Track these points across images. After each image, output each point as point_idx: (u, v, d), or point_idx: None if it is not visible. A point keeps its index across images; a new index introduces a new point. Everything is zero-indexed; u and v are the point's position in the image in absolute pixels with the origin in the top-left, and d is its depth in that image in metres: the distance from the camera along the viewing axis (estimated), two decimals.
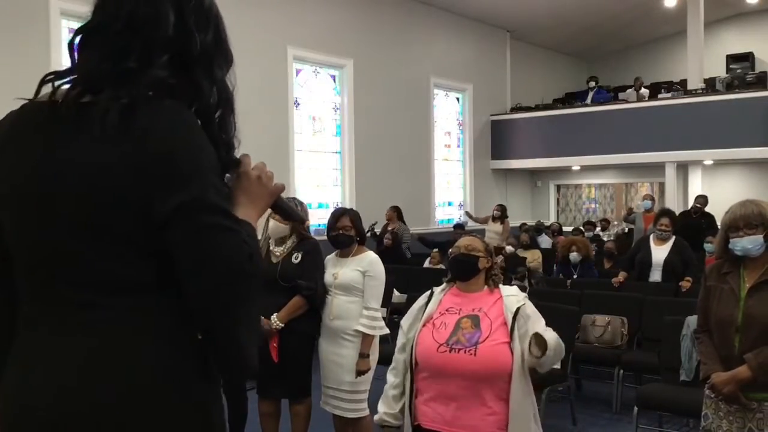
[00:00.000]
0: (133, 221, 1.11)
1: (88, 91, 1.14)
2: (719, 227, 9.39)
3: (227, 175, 1.27)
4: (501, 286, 2.64)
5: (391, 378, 2.66)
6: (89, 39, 1.18)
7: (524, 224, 11.59)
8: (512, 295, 2.55)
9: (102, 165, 1.09)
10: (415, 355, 2.52)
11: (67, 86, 1.16)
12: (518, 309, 2.48)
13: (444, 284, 2.71)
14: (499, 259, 8.48)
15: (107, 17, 1.17)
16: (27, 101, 1.20)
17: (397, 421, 2.62)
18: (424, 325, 2.56)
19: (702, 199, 9.77)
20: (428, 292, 2.71)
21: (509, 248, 8.84)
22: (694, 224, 8.92)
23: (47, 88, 1.17)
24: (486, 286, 2.63)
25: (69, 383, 1.10)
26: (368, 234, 5.50)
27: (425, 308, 2.63)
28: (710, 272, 2.91)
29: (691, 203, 10.25)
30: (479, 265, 2.61)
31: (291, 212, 1.48)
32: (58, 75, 1.17)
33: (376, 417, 2.69)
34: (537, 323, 2.49)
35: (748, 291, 2.71)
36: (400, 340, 2.65)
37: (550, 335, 2.40)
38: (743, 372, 2.63)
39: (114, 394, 1.10)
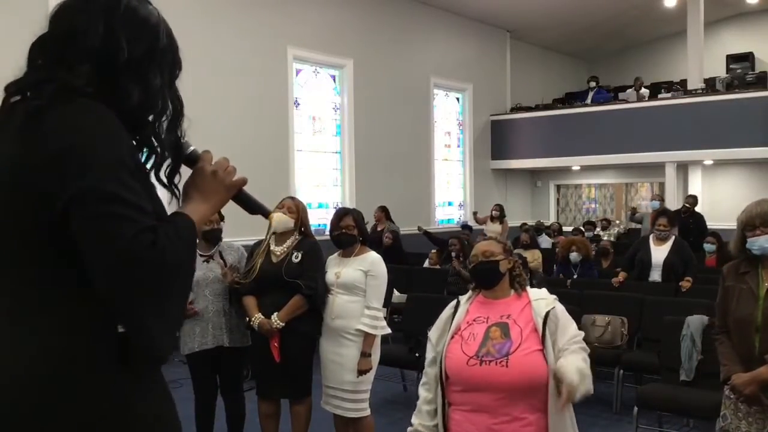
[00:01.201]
0: (41, 215, 1.15)
1: (22, 99, 1.24)
2: (707, 227, 9.38)
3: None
4: (528, 289, 2.51)
5: (424, 393, 2.52)
6: (33, 52, 1.28)
7: (525, 224, 11.59)
8: (541, 299, 2.43)
9: (11, 162, 1.17)
10: (444, 369, 2.40)
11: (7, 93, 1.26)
12: (548, 313, 2.36)
13: (470, 292, 2.58)
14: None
15: (50, 30, 1.28)
16: None
17: None
18: (452, 337, 2.43)
19: (691, 199, 9.78)
20: (454, 302, 2.58)
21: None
22: (682, 224, 8.92)
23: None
24: (513, 291, 2.50)
25: None
26: None
27: (452, 319, 2.50)
28: (728, 272, 2.87)
29: (698, 204, 10.24)
30: (501, 269, 2.47)
31: (254, 206, 1.46)
32: (9, 84, 1.27)
33: (409, 429, 2.53)
34: (567, 328, 2.37)
35: (767, 290, 2.69)
36: (430, 353, 2.52)
37: (572, 365, 2.22)
38: (764, 372, 2.61)
39: (18, 392, 1.14)
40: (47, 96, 1.19)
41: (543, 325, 2.32)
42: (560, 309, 2.42)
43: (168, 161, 1.32)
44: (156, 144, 1.29)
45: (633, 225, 11.52)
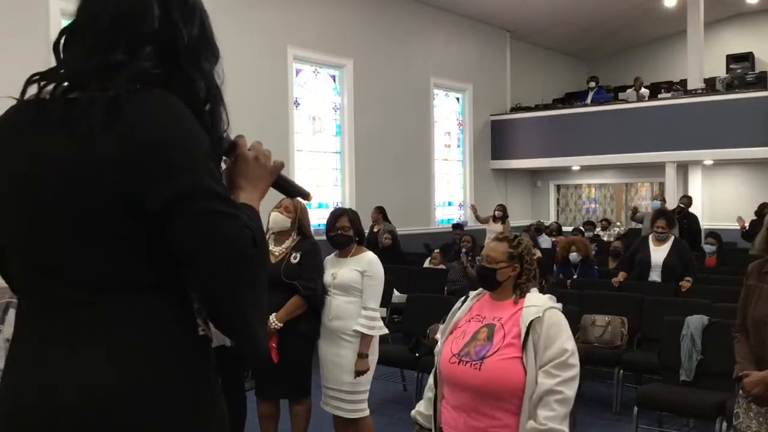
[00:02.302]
0: (126, 217, 1.09)
1: (75, 87, 1.14)
2: (700, 228, 9.35)
3: (225, 159, 1.27)
4: (530, 295, 2.43)
5: (431, 380, 2.58)
6: (74, 37, 1.18)
7: (532, 225, 11.58)
8: (532, 306, 2.35)
9: (89, 161, 1.09)
10: (438, 363, 2.47)
11: (53, 84, 1.15)
12: (533, 321, 2.28)
13: (480, 288, 2.58)
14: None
15: (92, 14, 1.17)
16: (15, 101, 1.19)
17: (427, 424, 2.54)
18: (450, 332, 2.49)
19: (686, 200, 9.78)
20: (464, 296, 2.62)
21: None
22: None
23: (33, 89, 1.17)
24: (513, 295, 2.45)
25: (59, 382, 1.10)
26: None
27: (456, 313, 2.55)
28: (752, 271, 2.84)
29: (692, 204, 10.25)
30: (498, 278, 2.43)
31: (293, 188, 1.41)
32: (44, 75, 1.17)
33: (412, 412, 2.62)
34: (553, 340, 2.26)
35: None
36: (439, 343, 2.58)
37: (544, 418, 2.17)
38: None
39: (105, 394, 1.09)
40: (119, 86, 1.10)
41: (526, 333, 2.28)
42: (550, 319, 2.30)
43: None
44: (210, 134, 1.21)
45: (633, 225, 11.51)
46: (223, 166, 1.28)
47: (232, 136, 1.32)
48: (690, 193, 11.28)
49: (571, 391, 2.24)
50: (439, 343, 2.57)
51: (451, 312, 2.60)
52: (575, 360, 2.27)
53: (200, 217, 1.08)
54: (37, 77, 1.17)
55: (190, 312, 1.18)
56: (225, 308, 1.12)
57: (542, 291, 2.55)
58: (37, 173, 1.12)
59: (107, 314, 1.12)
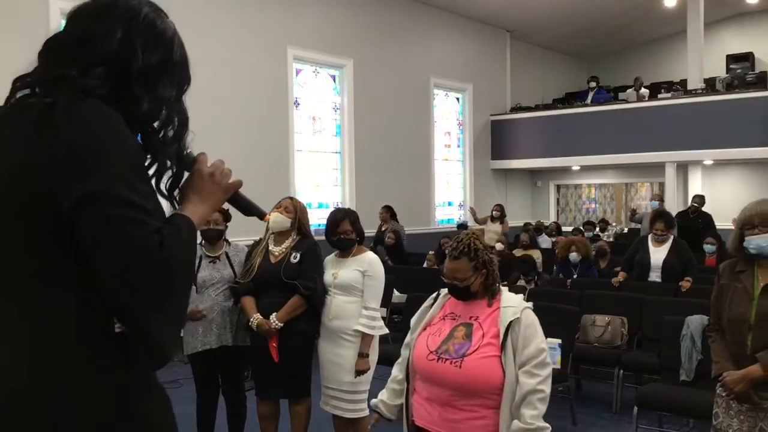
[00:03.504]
0: (45, 215, 1.16)
1: (31, 95, 1.24)
2: (715, 227, 9.34)
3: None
4: (504, 295, 2.51)
5: (395, 371, 2.66)
6: (47, 50, 1.29)
7: (528, 224, 11.58)
8: (510, 306, 2.42)
9: (15, 160, 1.17)
10: (411, 358, 2.52)
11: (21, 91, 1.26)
12: (512, 322, 2.36)
13: None
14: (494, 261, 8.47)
15: (65, 31, 1.29)
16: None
17: (390, 414, 2.62)
18: (423, 329, 2.54)
19: (699, 199, 9.76)
20: (435, 294, 2.67)
21: (499, 245, 8.88)
22: (691, 224, 8.92)
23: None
24: (486, 297, 2.51)
25: None
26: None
27: (429, 310, 2.61)
28: (723, 270, 2.88)
29: (705, 203, 10.22)
30: (472, 289, 2.48)
31: (249, 207, 1.47)
32: (17, 79, 1.27)
33: (372, 401, 2.68)
34: (530, 340, 2.34)
35: (762, 290, 2.70)
36: (408, 337, 2.64)
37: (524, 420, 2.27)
38: (755, 371, 2.62)
39: (16, 391, 1.13)
40: (60, 95, 1.19)
41: (505, 333, 2.35)
42: (527, 319, 2.38)
43: (169, 172, 1.34)
44: (159, 153, 1.31)
45: (633, 225, 11.51)
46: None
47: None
48: (690, 193, 11.28)
49: (549, 389, 2.35)
50: (408, 338, 2.63)
51: (421, 309, 2.66)
52: (549, 359, 2.39)
53: (103, 220, 1.13)
54: (18, 84, 1.27)
55: (105, 311, 1.21)
56: (123, 309, 1.16)
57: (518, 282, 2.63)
58: None
59: (22, 309, 1.17)
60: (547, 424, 2.31)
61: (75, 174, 1.13)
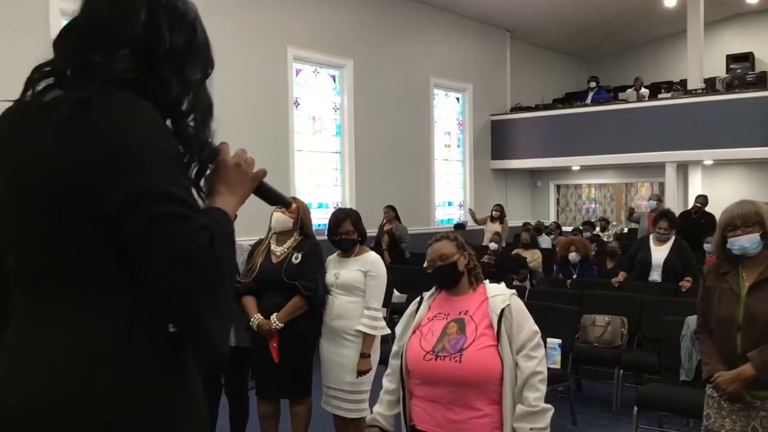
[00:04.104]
0: (88, 216, 1.12)
1: (54, 87, 1.17)
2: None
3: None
4: (487, 285, 2.57)
5: (387, 384, 2.64)
6: (66, 37, 1.22)
7: (527, 223, 11.59)
8: (498, 295, 2.48)
9: (55, 161, 1.12)
10: (405, 363, 2.51)
11: (40, 83, 1.19)
12: (503, 309, 2.41)
13: (432, 289, 2.67)
14: (487, 257, 8.51)
15: (84, 16, 1.22)
16: (12, 102, 1.23)
17: (389, 426, 2.60)
18: (413, 333, 2.54)
19: (702, 199, 9.77)
20: (418, 298, 2.68)
21: (492, 245, 8.90)
22: (694, 224, 8.93)
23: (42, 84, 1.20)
24: (470, 286, 2.56)
25: (17, 375, 1.13)
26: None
27: (415, 315, 2.60)
28: (708, 272, 2.91)
29: (691, 203, 10.26)
30: (459, 268, 2.53)
31: (275, 196, 1.43)
32: (36, 69, 1.21)
33: (368, 417, 2.67)
34: (523, 324, 2.40)
35: (749, 289, 2.72)
36: (394, 346, 2.64)
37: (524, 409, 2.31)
38: (747, 370, 2.63)
39: (71, 391, 1.11)
40: (92, 86, 1.14)
41: (498, 321, 2.39)
42: (516, 305, 2.45)
43: (196, 161, 1.27)
44: (190, 141, 1.24)
45: (632, 225, 11.52)
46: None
47: (232, 143, 1.34)
48: (690, 193, 11.28)
49: (546, 370, 2.40)
50: (396, 346, 2.62)
51: (407, 314, 2.65)
52: (542, 341, 2.44)
53: (154, 219, 1.09)
54: (36, 75, 1.20)
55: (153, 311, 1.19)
56: (175, 308, 1.13)
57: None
58: (14, 171, 1.16)
59: (71, 312, 1.14)
60: (550, 405, 2.35)
61: (119, 173, 1.10)
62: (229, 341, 1.24)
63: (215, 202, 1.27)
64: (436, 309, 2.56)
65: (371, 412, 2.61)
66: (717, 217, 3.01)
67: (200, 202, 1.27)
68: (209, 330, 1.14)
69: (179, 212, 1.11)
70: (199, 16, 1.32)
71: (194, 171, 1.27)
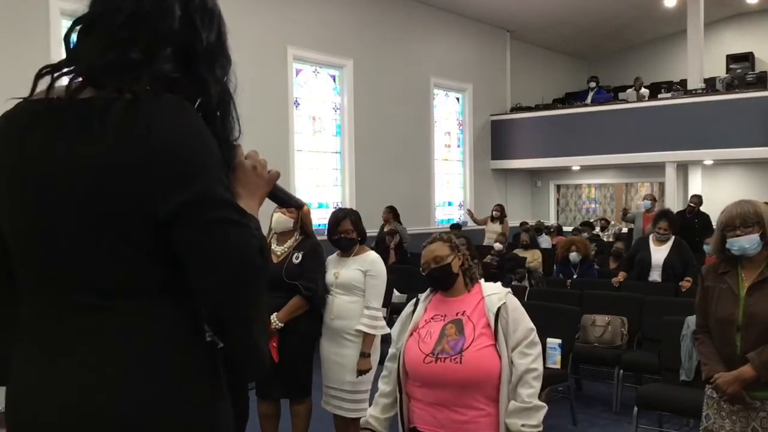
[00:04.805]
0: (136, 222, 1.08)
1: (89, 85, 1.11)
2: (713, 227, 9.42)
3: None
4: (483, 284, 2.57)
5: (382, 386, 2.62)
6: (90, 30, 1.14)
7: (525, 223, 11.59)
8: (494, 294, 2.49)
9: (102, 164, 1.06)
10: (403, 365, 2.49)
11: (65, 81, 1.12)
12: (499, 308, 2.42)
13: (427, 291, 2.67)
14: (489, 257, 8.51)
15: (110, 8, 1.13)
16: (21, 100, 1.16)
17: (381, 428, 2.59)
18: (410, 335, 2.53)
19: (696, 199, 9.79)
20: (414, 300, 2.67)
21: (497, 245, 8.88)
22: (687, 224, 8.93)
23: (44, 83, 1.14)
24: (465, 287, 2.56)
25: (68, 390, 1.09)
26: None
27: (411, 317, 2.60)
28: (707, 273, 2.91)
29: (703, 203, 10.23)
30: (454, 270, 2.54)
31: (288, 199, 1.41)
32: (55, 68, 1.14)
33: (362, 420, 2.65)
34: (518, 322, 2.41)
35: (748, 290, 2.71)
36: (391, 349, 2.62)
37: (518, 405, 2.33)
38: (747, 371, 2.63)
39: (114, 401, 1.08)
40: (139, 88, 1.07)
41: (495, 320, 2.40)
42: (512, 303, 2.46)
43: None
44: (223, 141, 1.19)
45: (629, 225, 11.52)
46: None
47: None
48: (690, 193, 11.28)
49: (542, 367, 2.41)
50: (392, 349, 2.60)
51: (403, 316, 2.64)
52: (538, 338, 2.45)
53: (210, 225, 1.06)
54: (48, 70, 1.14)
55: (197, 318, 1.16)
56: (230, 318, 1.10)
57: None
58: (47, 174, 1.09)
59: (115, 320, 1.10)
60: (544, 404, 2.36)
61: (174, 179, 1.05)
62: (268, 355, 1.21)
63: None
64: (433, 311, 2.56)
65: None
66: (712, 217, 3.02)
67: None
68: (258, 340, 1.13)
69: (234, 219, 1.09)
70: (221, 11, 1.28)
71: None
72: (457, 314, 2.48)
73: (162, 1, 1.15)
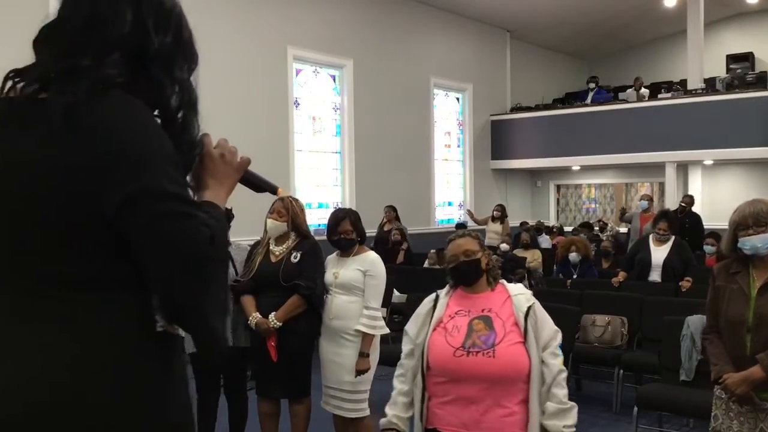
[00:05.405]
0: (85, 217, 1.11)
1: (42, 89, 1.15)
2: (703, 228, 9.38)
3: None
4: (506, 284, 2.58)
5: (399, 385, 2.55)
6: (49, 36, 1.20)
7: (525, 223, 11.59)
8: (521, 294, 2.50)
9: (49, 163, 1.11)
10: (427, 361, 2.44)
11: (25, 83, 1.17)
12: (529, 308, 2.43)
13: (447, 287, 2.63)
14: (494, 258, 8.50)
15: (67, 15, 1.19)
16: None
17: (405, 428, 2.54)
18: (434, 330, 2.48)
19: (688, 199, 9.81)
20: (433, 296, 2.62)
21: (504, 246, 8.86)
22: (678, 224, 8.93)
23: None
24: (488, 285, 2.56)
25: (10, 378, 1.11)
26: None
27: (432, 312, 2.55)
28: (719, 272, 2.87)
29: (694, 203, 10.24)
30: (482, 266, 2.54)
31: (261, 184, 1.43)
32: (19, 72, 1.19)
33: (383, 420, 2.57)
34: (545, 324, 2.44)
35: (759, 290, 2.68)
36: (407, 346, 2.56)
37: (553, 408, 2.34)
38: (756, 372, 2.61)
39: (52, 390, 1.10)
40: (83, 90, 1.11)
41: (525, 319, 2.41)
42: (538, 305, 2.49)
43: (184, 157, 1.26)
44: (182, 138, 1.24)
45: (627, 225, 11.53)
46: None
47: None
48: (690, 193, 11.29)
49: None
50: (410, 345, 2.54)
51: (422, 312, 2.59)
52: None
53: (155, 218, 1.10)
54: (12, 74, 1.19)
55: (147, 309, 1.18)
56: (184, 307, 1.14)
57: (531, 286, 2.65)
58: (8, 172, 1.14)
59: (63, 312, 1.13)
60: (574, 403, 2.39)
61: (118, 173, 1.09)
62: (227, 341, 1.23)
63: (205, 196, 1.27)
64: (456, 306, 2.53)
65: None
66: (702, 217, 3.00)
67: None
68: (214, 327, 1.15)
69: (181, 210, 1.12)
70: (183, 11, 1.30)
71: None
72: (483, 310, 2.47)
73: (114, 8, 1.19)
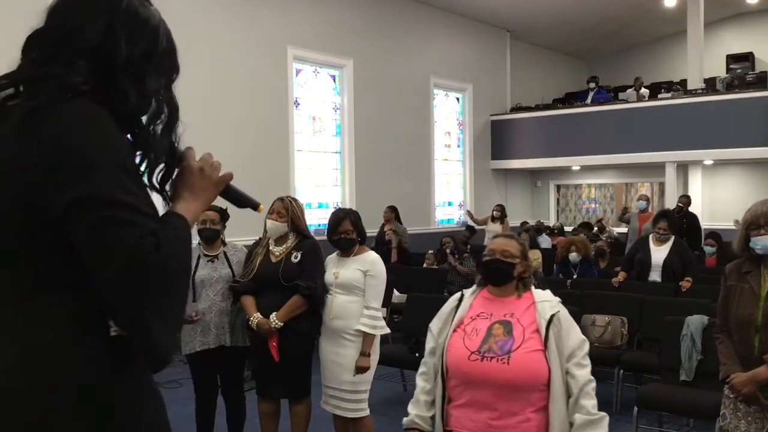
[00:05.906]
0: (33, 220, 1.14)
1: (15, 95, 1.20)
2: (700, 228, 9.40)
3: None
4: (534, 290, 2.52)
5: (422, 383, 2.51)
6: (29, 45, 1.25)
7: (525, 223, 11.59)
8: (546, 301, 2.45)
9: (3, 164, 1.15)
10: (445, 362, 2.40)
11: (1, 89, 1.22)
12: (552, 316, 2.38)
13: (474, 286, 2.59)
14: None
15: (47, 25, 1.25)
16: None
17: (428, 427, 2.49)
18: (454, 331, 2.44)
19: (685, 199, 9.82)
20: (458, 295, 2.59)
21: None
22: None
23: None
24: (516, 291, 2.50)
25: None
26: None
27: (455, 312, 2.50)
28: (730, 271, 2.86)
29: (692, 203, 10.25)
30: (514, 273, 2.48)
31: (242, 199, 1.44)
32: (4, 80, 1.23)
33: (405, 420, 2.52)
34: (570, 332, 2.38)
35: None
36: (430, 343, 2.53)
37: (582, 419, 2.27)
38: (762, 372, 2.61)
39: (5, 389, 1.13)
40: (44, 95, 1.16)
41: (547, 327, 2.34)
42: (564, 313, 2.43)
43: (161, 166, 1.30)
44: (150, 148, 1.27)
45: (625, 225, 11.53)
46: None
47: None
48: (690, 193, 11.29)
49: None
50: (432, 343, 2.51)
51: (446, 311, 2.55)
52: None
53: (96, 224, 1.11)
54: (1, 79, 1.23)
55: (103, 314, 1.20)
56: (122, 313, 1.15)
57: (536, 286, 2.60)
58: None
59: (14, 314, 1.16)
60: (605, 413, 2.32)
61: (65, 178, 1.12)
62: (175, 346, 1.24)
63: (176, 207, 1.29)
64: (479, 308, 2.48)
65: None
66: (699, 218, 2.98)
67: (164, 204, 1.30)
68: (154, 335, 1.16)
69: (124, 218, 1.12)
70: (164, 23, 1.33)
71: (159, 176, 1.30)
72: (504, 315, 2.41)
73: (86, 20, 1.23)
